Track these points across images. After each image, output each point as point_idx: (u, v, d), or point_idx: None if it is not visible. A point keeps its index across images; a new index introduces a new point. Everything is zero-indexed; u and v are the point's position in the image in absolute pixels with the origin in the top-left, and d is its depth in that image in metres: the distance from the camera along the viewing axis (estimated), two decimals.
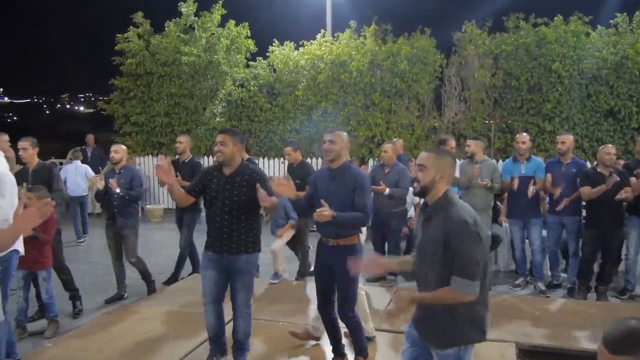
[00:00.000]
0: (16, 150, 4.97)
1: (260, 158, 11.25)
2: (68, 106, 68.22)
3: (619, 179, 5.02)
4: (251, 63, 12.07)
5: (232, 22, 12.10)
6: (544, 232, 5.80)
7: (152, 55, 11.76)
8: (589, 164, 6.94)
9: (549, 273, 5.94)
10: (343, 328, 3.59)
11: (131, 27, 11.97)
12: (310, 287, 4.10)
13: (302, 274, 5.95)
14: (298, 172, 5.80)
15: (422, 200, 2.67)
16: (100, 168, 10.06)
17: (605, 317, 4.56)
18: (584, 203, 5.47)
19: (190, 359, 3.84)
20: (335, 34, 11.72)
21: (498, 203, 6.38)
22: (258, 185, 3.32)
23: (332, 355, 3.64)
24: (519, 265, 5.94)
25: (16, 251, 3.75)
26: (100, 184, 5.18)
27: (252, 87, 11.58)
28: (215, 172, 3.56)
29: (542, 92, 9.93)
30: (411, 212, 6.94)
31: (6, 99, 68.08)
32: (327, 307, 3.52)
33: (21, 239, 3.66)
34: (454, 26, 10.79)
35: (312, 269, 5.82)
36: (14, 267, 3.84)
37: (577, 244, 5.55)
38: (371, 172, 6.03)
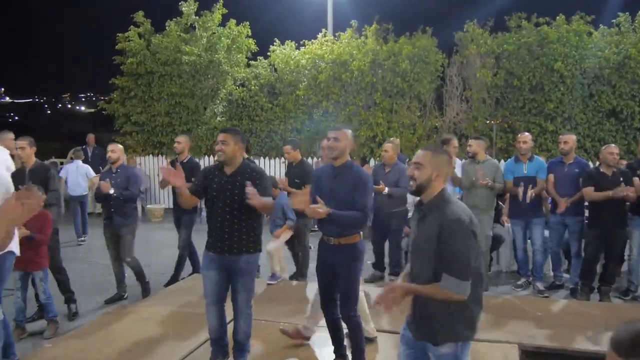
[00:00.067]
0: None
1: (261, 158, 11.24)
2: (69, 106, 68.26)
3: (624, 194, 4.95)
4: (252, 62, 12.05)
5: (233, 21, 12.08)
6: (546, 232, 5.77)
7: (152, 54, 11.74)
8: (591, 164, 6.90)
9: (552, 273, 5.91)
10: (345, 329, 3.56)
11: (132, 26, 11.95)
12: (310, 288, 4.08)
13: (302, 274, 5.92)
14: (297, 171, 5.78)
15: None
16: (100, 168, 10.03)
17: (608, 318, 4.53)
18: (586, 203, 5.44)
19: (190, 359, 3.81)
20: (337, 34, 11.68)
21: (500, 203, 6.35)
22: (248, 182, 3.29)
23: (333, 356, 3.61)
24: (521, 266, 5.92)
25: (11, 252, 3.72)
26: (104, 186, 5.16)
27: (253, 87, 11.55)
28: (217, 172, 3.53)
29: (544, 91, 9.89)
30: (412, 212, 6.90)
31: (7, 98, 68.13)
32: (330, 307, 3.49)
33: (17, 240, 3.63)
34: (455, 25, 10.76)
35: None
36: (8, 269, 3.81)
37: (579, 244, 5.52)
38: (372, 172, 6.00)
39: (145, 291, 5.44)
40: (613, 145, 5.40)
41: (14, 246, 3.71)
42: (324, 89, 10.87)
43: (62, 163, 12.17)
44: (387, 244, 6.20)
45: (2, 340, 3.49)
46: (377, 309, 2.32)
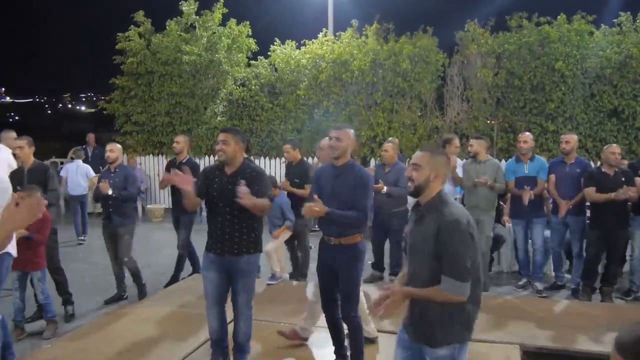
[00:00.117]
0: None
1: (262, 158, 11.22)
2: (70, 106, 68.30)
3: (626, 197, 4.93)
4: (252, 62, 12.03)
5: (234, 21, 12.06)
6: (547, 233, 5.75)
7: (153, 54, 11.73)
8: (592, 165, 6.87)
9: (553, 274, 5.89)
10: (346, 329, 3.54)
11: (132, 26, 11.94)
12: (310, 288, 4.06)
13: (302, 274, 5.90)
14: (297, 171, 5.77)
15: None
16: (100, 167, 10.01)
17: (609, 318, 4.52)
18: (588, 203, 5.42)
19: None
20: (337, 33, 11.66)
21: (501, 203, 6.33)
22: (241, 182, 3.26)
23: (333, 357, 3.59)
24: (522, 266, 5.90)
25: (8, 254, 3.71)
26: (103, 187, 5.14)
27: (253, 87, 11.53)
28: (217, 172, 3.51)
29: (545, 91, 9.86)
30: None
31: (8, 98, 68.18)
32: (330, 307, 3.47)
33: (14, 241, 3.62)
34: (456, 25, 10.74)
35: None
36: (6, 270, 3.79)
37: (581, 244, 5.50)
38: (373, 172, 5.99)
39: (142, 293, 5.38)
40: (615, 145, 5.38)
41: (11, 248, 3.69)
42: (325, 88, 10.85)
43: (62, 163, 12.16)
44: (387, 244, 6.18)
45: (1, 341, 3.48)
46: (376, 314, 2.30)
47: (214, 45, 11.70)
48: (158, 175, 11.54)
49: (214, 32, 11.84)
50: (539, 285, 5.59)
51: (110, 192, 5.05)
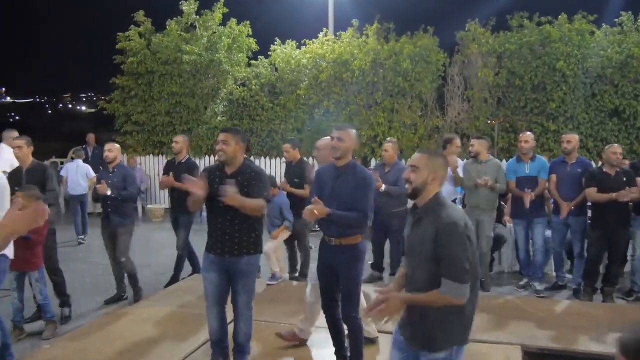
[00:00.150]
0: None
1: (262, 157, 11.21)
2: (70, 106, 68.35)
3: (628, 198, 4.91)
4: (253, 62, 12.03)
5: (234, 20, 12.05)
6: (548, 233, 5.74)
7: (153, 54, 11.72)
8: (593, 164, 6.86)
9: (554, 274, 5.87)
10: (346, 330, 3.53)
11: (132, 25, 11.93)
12: (309, 289, 4.04)
13: (303, 274, 5.89)
14: (296, 171, 5.76)
15: None
16: (100, 167, 10.02)
17: (611, 318, 4.50)
18: (589, 203, 5.40)
19: None
20: (338, 33, 11.65)
21: (502, 203, 6.32)
22: (228, 180, 3.23)
23: (333, 357, 3.57)
24: (523, 266, 5.88)
25: (4, 256, 3.69)
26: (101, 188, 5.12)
27: (253, 86, 11.53)
28: (217, 172, 3.49)
29: (546, 91, 9.85)
30: None
31: (8, 98, 68.23)
32: (331, 308, 3.45)
33: (11, 244, 3.60)
34: (457, 25, 10.74)
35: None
36: (3, 272, 3.78)
37: (582, 244, 5.49)
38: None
39: (137, 295, 5.32)
40: (616, 144, 5.36)
41: (7, 250, 3.67)
42: (325, 88, 10.84)
43: (62, 162, 12.15)
44: (387, 245, 6.17)
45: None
46: (367, 317, 2.28)
47: (214, 44, 11.69)
48: (158, 175, 11.52)
49: (214, 32, 11.83)
50: (538, 285, 5.57)
51: (109, 192, 5.03)
